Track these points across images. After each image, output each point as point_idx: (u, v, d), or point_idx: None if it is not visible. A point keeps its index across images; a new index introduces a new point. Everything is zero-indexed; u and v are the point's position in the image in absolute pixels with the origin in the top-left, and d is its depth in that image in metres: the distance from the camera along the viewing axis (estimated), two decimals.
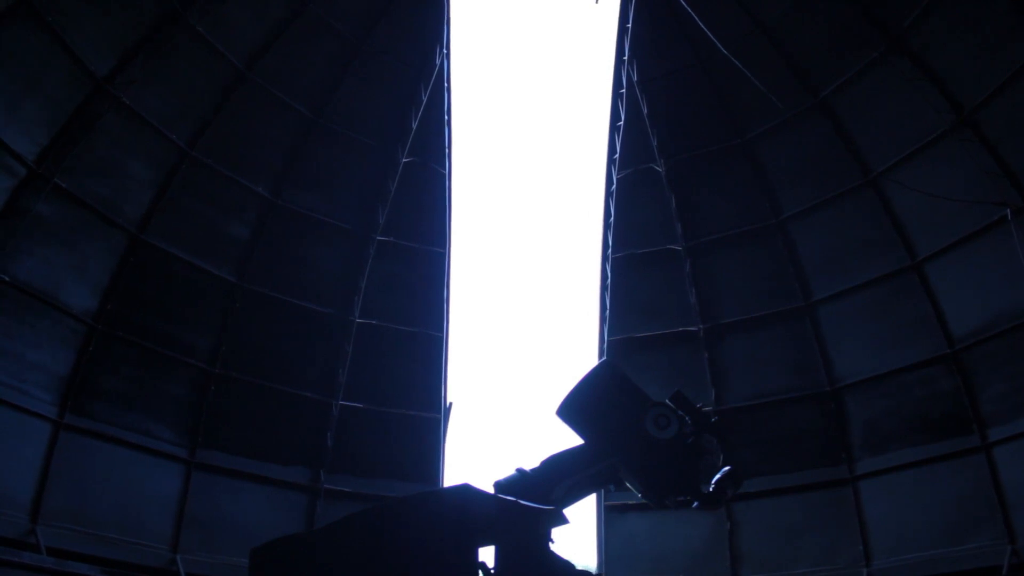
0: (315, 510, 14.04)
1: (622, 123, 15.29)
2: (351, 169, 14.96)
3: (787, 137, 14.34)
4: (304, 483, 14.17)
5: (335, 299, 14.93)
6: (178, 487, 13.04)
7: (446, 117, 15.45)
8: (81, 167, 12.22)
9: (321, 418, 14.52)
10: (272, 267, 14.39)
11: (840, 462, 13.63)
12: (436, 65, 14.89)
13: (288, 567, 4.61)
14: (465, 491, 4.74)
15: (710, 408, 14.22)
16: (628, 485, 5.24)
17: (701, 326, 14.93)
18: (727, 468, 5.16)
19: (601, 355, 15.37)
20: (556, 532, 4.91)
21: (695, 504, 5.11)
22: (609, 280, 15.60)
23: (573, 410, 5.29)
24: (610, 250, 15.60)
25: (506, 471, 5.23)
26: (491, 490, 5.02)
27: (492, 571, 4.53)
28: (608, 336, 15.42)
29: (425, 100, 14.98)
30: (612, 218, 15.61)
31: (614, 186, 15.55)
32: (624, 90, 15.12)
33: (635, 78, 14.86)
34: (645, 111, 14.98)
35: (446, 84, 15.24)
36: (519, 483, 4.98)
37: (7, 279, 11.47)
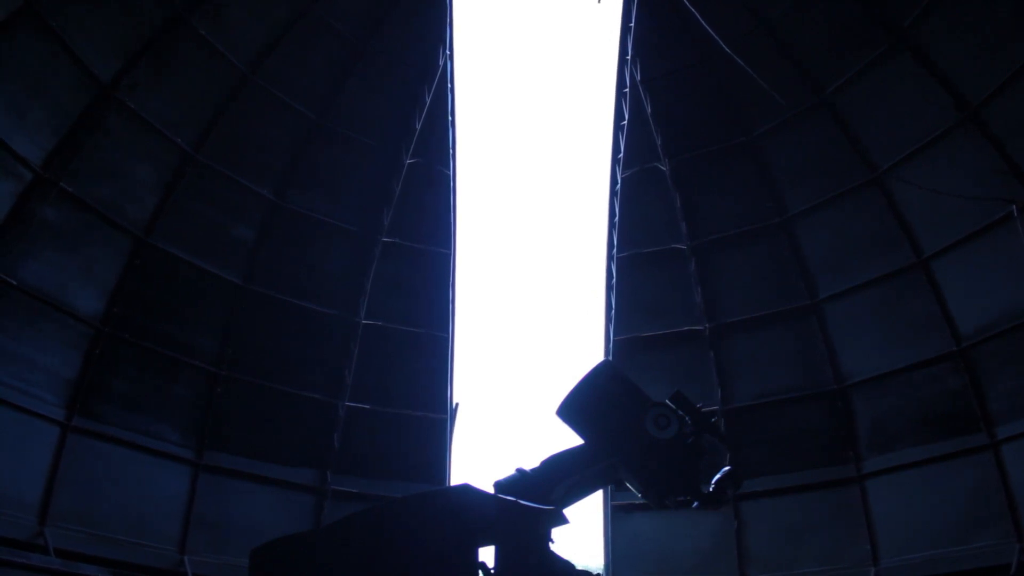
0: (322, 511, 14.07)
1: (626, 122, 15.27)
2: (355, 171, 14.99)
3: (791, 135, 14.30)
4: (311, 484, 14.20)
5: (340, 301, 14.97)
6: (185, 489, 13.08)
7: (450, 118, 15.47)
8: (86, 171, 12.26)
9: (327, 419, 14.56)
10: (277, 269, 14.43)
11: (847, 461, 13.58)
12: (439, 66, 14.90)
13: (288, 567, 4.63)
14: (465, 491, 4.75)
15: (716, 407, 14.26)
16: (628, 485, 5.25)
17: (707, 325, 14.91)
18: (727, 468, 5.17)
19: (607, 355, 15.36)
20: (557, 532, 4.92)
21: (695, 504, 5.12)
22: (614, 280, 15.59)
23: (573, 410, 5.31)
24: (615, 250, 15.59)
25: (508, 471, 5.25)
26: (491, 490, 5.03)
27: (492, 571, 4.55)
28: (614, 336, 15.41)
29: (429, 101, 15.00)
30: (617, 218, 15.59)
31: (618, 186, 15.53)
32: (627, 89, 15.10)
33: (638, 77, 14.86)
34: (649, 110, 14.97)
35: (449, 85, 15.26)
36: (519, 483, 5.01)
37: (14, 283, 11.51)
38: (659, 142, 15.04)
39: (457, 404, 15.47)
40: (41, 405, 11.70)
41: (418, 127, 15.06)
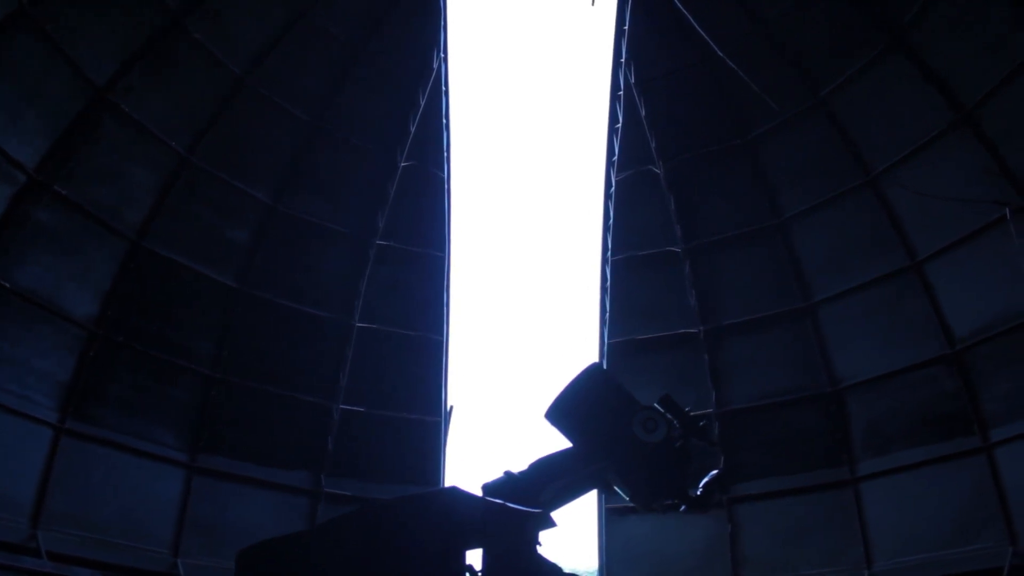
0: (316, 514, 14.06)
1: (620, 125, 15.28)
2: (350, 174, 15.00)
3: (787, 137, 14.30)
4: (305, 487, 14.19)
5: (335, 303, 14.97)
6: (179, 492, 13.06)
7: (444, 121, 15.48)
8: (81, 174, 12.27)
9: (322, 422, 14.55)
10: (272, 272, 14.43)
11: (841, 464, 13.58)
12: (434, 69, 14.91)
13: (275, 569, 4.64)
14: (453, 494, 4.77)
15: (709, 411, 14.25)
16: (616, 488, 5.26)
17: (701, 328, 14.91)
18: (714, 471, 5.18)
19: (602, 358, 15.35)
20: (546, 534, 4.92)
21: (682, 507, 5.13)
22: (609, 282, 15.59)
23: (561, 413, 5.32)
24: (609, 252, 15.59)
25: (500, 474, 5.25)
26: (479, 493, 5.04)
27: (479, 573, 4.55)
28: (608, 339, 15.41)
29: (423, 104, 15.01)
30: (611, 220, 15.60)
31: (613, 188, 15.54)
32: (622, 92, 15.11)
33: (632, 80, 14.86)
34: (643, 113, 14.97)
35: (444, 88, 15.27)
36: (507, 486, 5.02)
37: (8, 286, 11.51)
38: (653, 145, 15.05)
39: (452, 407, 15.49)
40: (34, 408, 11.69)
41: (413, 130, 15.07)
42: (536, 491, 4.99)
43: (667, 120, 15.00)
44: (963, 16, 12.14)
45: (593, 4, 14.59)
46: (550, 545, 5.21)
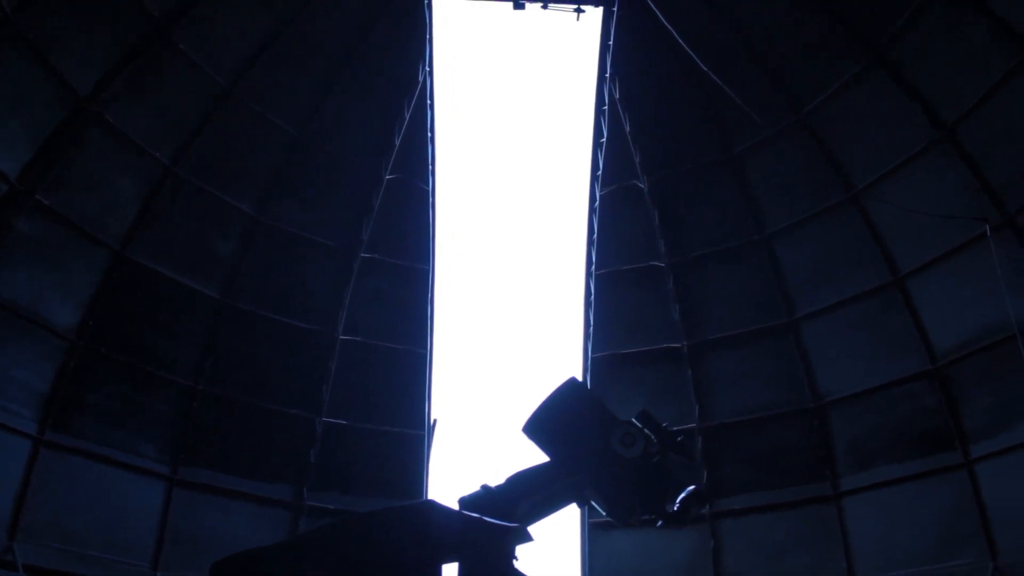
0: (298, 527, 13.98)
1: (605, 140, 15.30)
2: (335, 186, 14.97)
3: (771, 152, 14.37)
4: (287, 500, 14.09)
5: (319, 316, 14.91)
6: (160, 504, 12.97)
7: (429, 134, 15.47)
8: (64, 184, 12.23)
9: (305, 435, 14.47)
10: (257, 284, 14.37)
11: (824, 479, 13.62)
12: (419, 82, 14.91)
13: None
14: (429, 507, 4.74)
15: (691, 425, 14.27)
16: (593, 503, 5.24)
17: (685, 342, 14.92)
18: (692, 487, 5.17)
19: (585, 372, 15.34)
20: (522, 549, 4.90)
21: (659, 523, 5.12)
22: (593, 296, 15.58)
23: (539, 427, 5.30)
24: (594, 266, 15.58)
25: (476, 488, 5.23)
26: (456, 506, 5.01)
27: None
28: (592, 353, 15.39)
29: (409, 117, 14.99)
30: (595, 234, 15.60)
31: (597, 202, 15.56)
32: (607, 107, 15.14)
33: (617, 95, 14.88)
34: (627, 128, 15.00)
35: (429, 101, 15.26)
36: (484, 499, 4.98)
37: None
38: (638, 159, 15.07)
39: (435, 420, 15.42)
40: (13, 419, 11.61)
41: (398, 142, 15.06)
42: (513, 505, 4.96)
43: (651, 135, 15.04)
44: (943, 34, 12.26)
45: (578, 18, 14.63)
46: (534, 560, 5.19)
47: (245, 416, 14.01)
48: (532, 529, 4.95)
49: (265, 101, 14.02)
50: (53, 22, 11.64)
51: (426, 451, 15.21)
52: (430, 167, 15.61)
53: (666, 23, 13.79)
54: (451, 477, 16.38)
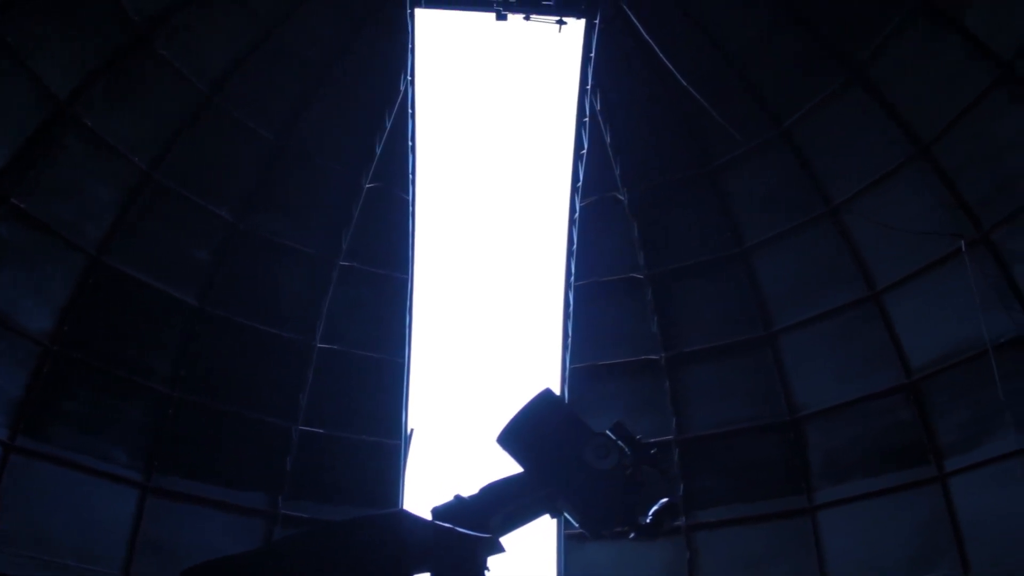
0: (273, 536, 13.89)
1: (585, 151, 15.36)
2: (315, 194, 14.92)
3: (750, 167, 14.44)
4: (262, 508, 14.00)
5: (297, 324, 14.84)
6: (133, 512, 12.85)
7: (410, 143, 15.46)
8: (41, 188, 12.14)
9: (281, 443, 14.38)
10: (234, 291, 14.30)
11: (800, 492, 13.67)
12: (401, 92, 14.91)
13: None
14: (400, 516, 4.73)
15: (671, 437, 14.29)
16: (566, 514, 5.24)
17: (663, 355, 14.95)
18: (665, 500, 5.18)
19: (563, 383, 15.36)
20: (495, 560, 4.89)
21: (632, 535, 5.12)
22: (571, 308, 15.61)
23: (512, 438, 5.30)
24: (573, 278, 15.62)
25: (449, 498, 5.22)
26: (429, 516, 5.00)
27: None
28: (570, 364, 15.40)
29: (390, 127, 14.98)
30: (575, 246, 15.63)
31: (577, 214, 15.59)
32: (587, 119, 15.20)
33: (598, 107, 14.95)
34: (608, 140, 15.05)
35: (411, 111, 15.26)
36: (456, 509, 4.97)
37: None
38: (618, 171, 15.11)
39: (412, 430, 15.38)
40: None
41: (379, 152, 15.04)
42: (485, 516, 4.94)
43: (632, 147, 15.09)
44: (920, 52, 12.40)
45: (560, 30, 14.69)
46: (509, 571, 5.19)
47: (221, 424, 13.91)
48: (505, 540, 4.95)
49: (246, 108, 13.97)
50: (33, 25, 11.57)
51: (403, 460, 15.16)
52: (410, 176, 15.61)
53: (647, 37, 13.88)
54: (428, 487, 16.35)
